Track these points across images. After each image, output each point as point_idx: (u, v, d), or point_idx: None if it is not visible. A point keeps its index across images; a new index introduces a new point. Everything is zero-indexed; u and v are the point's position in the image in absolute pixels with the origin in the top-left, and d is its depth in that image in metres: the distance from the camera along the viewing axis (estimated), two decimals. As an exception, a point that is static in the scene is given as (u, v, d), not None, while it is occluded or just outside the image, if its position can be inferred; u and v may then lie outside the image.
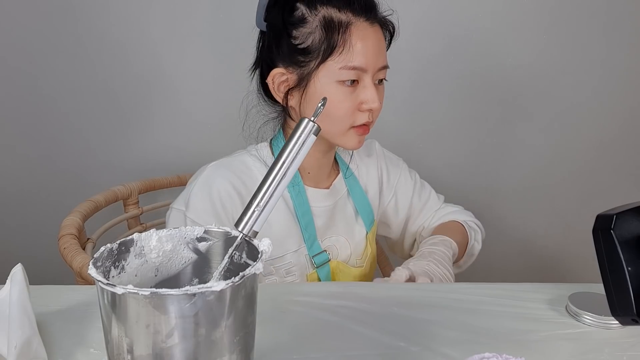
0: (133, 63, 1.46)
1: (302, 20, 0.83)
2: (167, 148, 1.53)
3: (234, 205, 0.87)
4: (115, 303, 0.42)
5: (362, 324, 0.68)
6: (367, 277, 1.02)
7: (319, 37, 0.82)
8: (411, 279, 0.84)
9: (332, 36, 0.82)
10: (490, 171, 1.62)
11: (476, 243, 1.06)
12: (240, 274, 0.43)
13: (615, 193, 1.62)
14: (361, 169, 1.04)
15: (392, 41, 0.93)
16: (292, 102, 0.88)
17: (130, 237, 0.49)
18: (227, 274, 0.50)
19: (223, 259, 0.50)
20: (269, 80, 0.88)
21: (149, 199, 1.28)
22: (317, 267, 0.93)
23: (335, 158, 1.01)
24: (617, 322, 0.66)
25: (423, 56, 1.50)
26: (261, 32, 0.91)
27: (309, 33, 0.83)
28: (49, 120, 1.50)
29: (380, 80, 0.88)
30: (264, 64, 0.90)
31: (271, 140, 0.96)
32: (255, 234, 0.49)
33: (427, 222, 1.08)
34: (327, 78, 0.83)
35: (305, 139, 0.50)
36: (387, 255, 1.31)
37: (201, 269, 0.53)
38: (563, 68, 1.54)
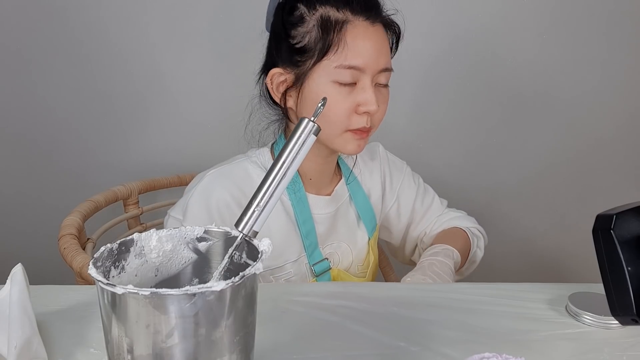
0: (133, 64, 1.46)
1: (301, 20, 0.83)
2: (166, 148, 1.53)
3: (232, 215, 0.85)
4: (115, 303, 0.42)
5: (362, 324, 0.68)
6: (370, 280, 1.02)
7: (315, 36, 0.81)
8: None
9: (328, 35, 0.81)
10: (490, 171, 1.62)
11: (478, 250, 1.05)
12: (240, 274, 0.43)
13: (615, 193, 1.62)
14: (364, 173, 1.03)
15: (399, 43, 0.91)
16: (290, 102, 0.87)
17: (130, 237, 0.49)
18: (227, 274, 0.50)
19: (223, 259, 0.50)
20: (267, 80, 0.88)
21: (149, 199, 1.28)
22: (317, 276, 0.92)
23: (338, 163, 1.01)
24: (617, 322, 0.66)
25: (423, 56, 1.49)
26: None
27: (306, 32, 0.82)
28: (49, 121, 1.50)
29: (384, 84, 0.86)
30: (266, 66, 0.90)
31: (272, 144, 0.96)
32: (255, 234, 0.49)
33: (429, 227, 1.07)
34: (323, 78, 0.82)
35: (305, 139, 0.50)
36: (390, 260, 1.31)
37: (201, 269, 0.53)
38: (563, 68, 1.54)
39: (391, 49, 0.89)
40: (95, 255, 0.46)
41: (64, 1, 1.41)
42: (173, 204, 0.95)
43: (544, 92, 1.56)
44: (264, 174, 0.90)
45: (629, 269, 0.60)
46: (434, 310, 0.73)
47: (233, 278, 0.42)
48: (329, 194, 0.97)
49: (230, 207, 0.86)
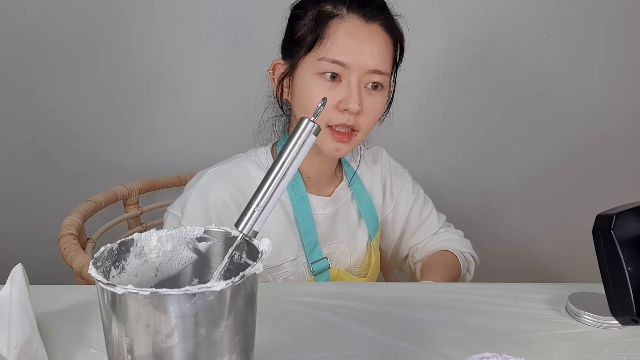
0: (133, 63, 1.46)
1: (303, 14, 0.85)
2: (167, 148, 1.52)
3: (229, 215, 0.85)
4: (115, 303, 0.42)
5: (362, 324, 0.68)
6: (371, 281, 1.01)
7: (309, 28, 0.82)
8: None
9: (319, 27, 0.81)
10: (490, 171, 1.62)
11: (468, 274, 1.03)
12: (240, 274, 0.43)
13: (615, 193, 1.62)
14: (367, 175, 1.02)
15: (404, 50, 0.88)
16: (286, 94, 0.88)
17: (130, 237, 0.49)
18: (227, 274, 0.50)
19: (223, 259, 0.50)
20: (270, 70, 0.89)
21: (149, 199, 1.28)
22: (315, 274, 0.91)
23: (341, 164, 1.00)
24: (617, 322, 0.66)
25: (423, 56, 1.49)
26: None
27: (303, 25, 0.84)
28: (50, 121, 1.50)
29: (375, 86, 0.84)
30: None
31: (274, 143, 0.96)
32: (255, 234, 0.49)
33: (421, 244, 1.05)
34: (308, 69, 0.82)
35: (305, 139, 0.50)
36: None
37: (201, 268, 0.53)
38: (563, 68, 1.54)
39: (396, 56, 0.88)
40: (95, 256, 0.46)
41: (64, 1, 1.41)
42: (173, 204, 0.95)
43: (544, 92, 1.56)
44: (263, 174, 0.91)
45: (629, 269, 0.60)
46: (434, 310, 0.73)
47: (233, 278, 0.42)
48: (329, 195, 0.96)
49: (228, 207, 0.86)
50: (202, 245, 0.52)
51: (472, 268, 1.05)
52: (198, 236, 0.52)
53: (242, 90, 0.97)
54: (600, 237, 0.62)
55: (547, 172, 1.62)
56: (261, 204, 0.49)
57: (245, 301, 0.45)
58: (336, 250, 0.96)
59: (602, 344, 0.65)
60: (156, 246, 0.51)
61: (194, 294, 0.40)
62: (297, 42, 0.84)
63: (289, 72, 0.86)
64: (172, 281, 0.52)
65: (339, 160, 1.00)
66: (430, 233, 1.05)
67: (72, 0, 1.41)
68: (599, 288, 0.67)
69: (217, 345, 0.43)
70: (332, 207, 0.96)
